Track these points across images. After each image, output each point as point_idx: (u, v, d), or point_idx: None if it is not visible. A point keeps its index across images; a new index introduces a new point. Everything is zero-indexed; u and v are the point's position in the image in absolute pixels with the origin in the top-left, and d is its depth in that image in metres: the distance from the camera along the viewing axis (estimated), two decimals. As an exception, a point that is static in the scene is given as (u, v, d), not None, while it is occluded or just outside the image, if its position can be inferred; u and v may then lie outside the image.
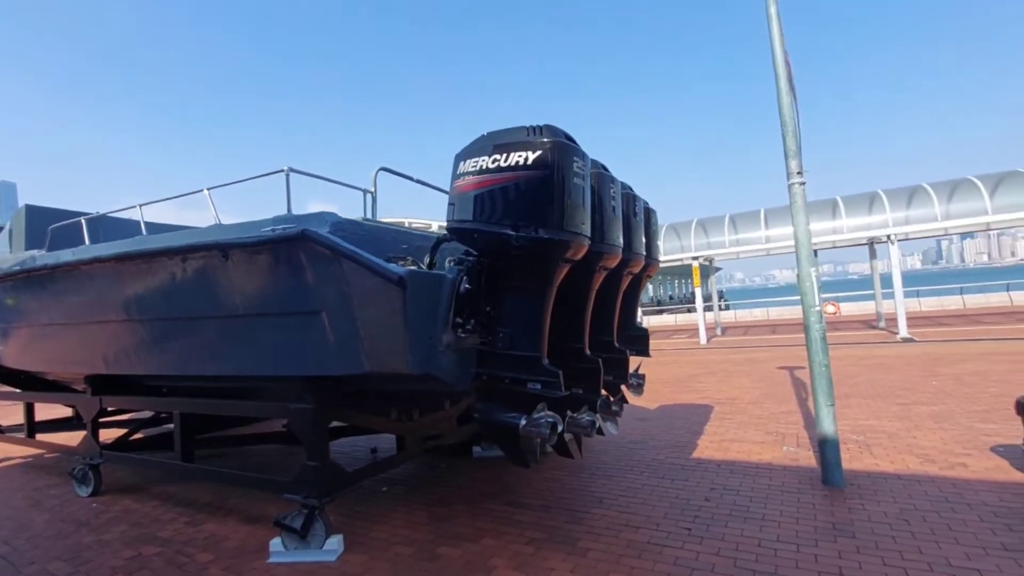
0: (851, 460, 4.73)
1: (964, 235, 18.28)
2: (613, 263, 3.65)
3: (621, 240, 3.65)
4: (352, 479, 3.83)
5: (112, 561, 3.71)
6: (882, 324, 18.47)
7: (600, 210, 3.33)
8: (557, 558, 3.30)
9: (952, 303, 22.74)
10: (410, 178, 4.54)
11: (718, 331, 21.14)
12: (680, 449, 5.56)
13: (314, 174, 3.81)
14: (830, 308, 22.77)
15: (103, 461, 5.20)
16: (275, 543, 3.60)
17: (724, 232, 18.50)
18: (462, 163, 3.06)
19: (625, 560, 3.21)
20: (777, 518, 3.70)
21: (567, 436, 3.63)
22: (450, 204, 3.15)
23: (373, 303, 2.95)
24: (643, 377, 4.73)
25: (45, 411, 7.68)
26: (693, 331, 19.87)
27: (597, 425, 3.57)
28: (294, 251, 3.11)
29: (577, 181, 2.88)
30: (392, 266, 2.84)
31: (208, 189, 4.11)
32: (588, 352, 3.65)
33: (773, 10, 4.62)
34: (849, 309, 25.33)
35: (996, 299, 22.38)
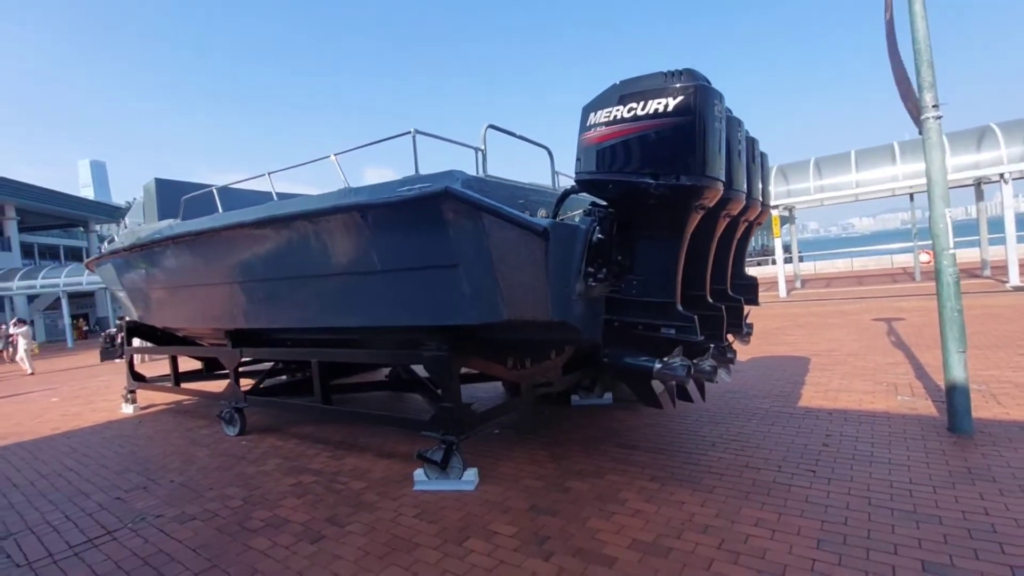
0: (977, 409, 4.52)
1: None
2: (737, 209, 3.62)
3: (746, 186, 3.60)
4: (482, 418, 4.15)
5: (278, 487, 4.28)
6: (987, 272, 16.97)
7: (729, 155, 3.29)
8: (684, 493, 3.48)
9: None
10: (513, 134, 4.63)
11: (797, 284, 20.20)
12: (784, 398, 5.54)
13: (436, 135, 3.98)
14: (924, 256, 21.07)
15: (247, 405, 5.88)
16: (418, 474, 4.01)
17: (809, 178, 17.34)
18: (592, 114, 3.10)
19: (754, 497, 3.33)
20: (905, 463, 3.67)
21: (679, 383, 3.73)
22: (578, 158, 3.22)
23: (514, 254, 3.12)
24: (751, 326, 4.71)
25: (163, 366, 8.62)
26: (770, 284, 19.08)
27: (717, 371, 3.64)
28: (436, 207, 3.31)
29: (717, 126, 2.86)
30: (535, 219, 2.98)
31: (335, 155, 4.39)
32: (710, 300, 3.69)
33: (907, -76, 4.19)
34: (946, 258, 23.33)
35: None
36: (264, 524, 3.59)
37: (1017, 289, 13.09)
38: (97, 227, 37.80)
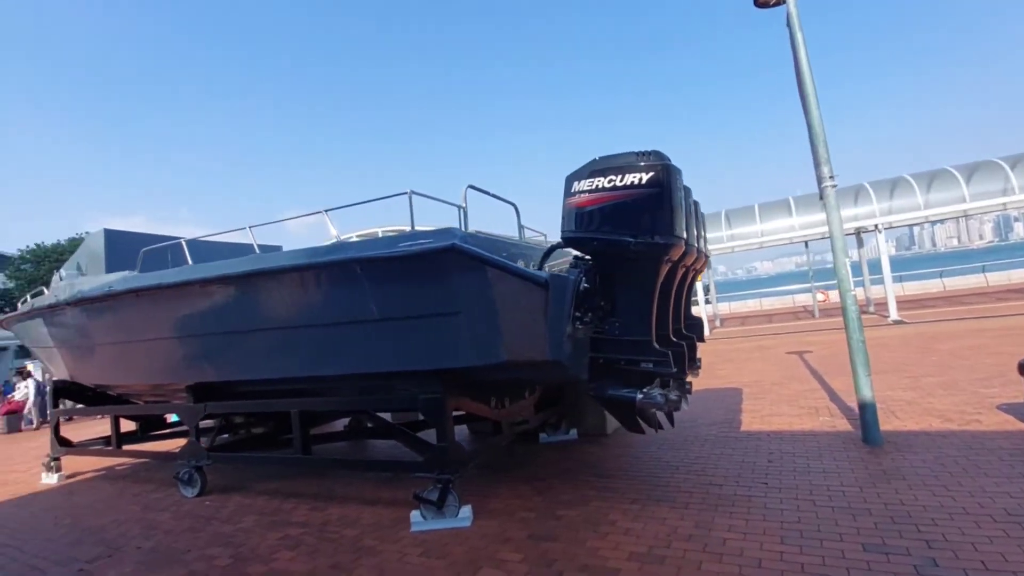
0: (880, 423, 5.43)
1: (935, 221, 19.59)
2: (690, 260, 4.30)
3: (692, 239, 4.29)
4: (471, 457, 4.40)
5: (265, 542, 4.22)
6: (871, 309, 19.53)
7: (686, 217, 3.97)
8: (663, 511, 3.92)
9: (933, 286, 24.04)
10: (488, 193, 5.15)
11: (717, 322, 22.03)
12: (727, 425, 6.23)
13: (433, 196, 4.41)
14: (819, 296, 23.83)
15: (210, 463, 5.67)
16: (415, 515, 4.15)
17: (721, 228, 19.38)
18: (576, 183, 3.67)
19: (723, 508, 3.84)
20: (835, 470, 4.38)
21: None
22: (565, 217, 3.76)
23: (516, 302, 3.54)
24: (700, 360, 5.39)
25: (88, 429, 8.01)
26: (694, 324, 20.66)
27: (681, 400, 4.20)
28: (442, 261, 3.67)
29: (679, 195, 3.51)
30: (536, 271, 3.44)
31: (326, 211, 4.67)
32: (673, 338, 4.29)
33: (800, 36, 5.33)
34: (835, 296, 26.53)
35: (974, 280, 23.72)
36: (265, 577, 3.58)
37: (897, 323, 15.22)
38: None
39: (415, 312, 3.98)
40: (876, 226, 16.61)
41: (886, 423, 5.46)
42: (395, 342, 4.15)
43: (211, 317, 5.07)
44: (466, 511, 4.12)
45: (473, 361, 3.88)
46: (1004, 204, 16.46)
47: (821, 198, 5.25)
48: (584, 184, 3.61)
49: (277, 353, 4.83)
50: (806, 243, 21.17)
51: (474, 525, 4.04)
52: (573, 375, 3.88)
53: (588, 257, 3.79)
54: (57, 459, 7.30)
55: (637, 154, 3.49)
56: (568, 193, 3.73)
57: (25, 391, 15.11)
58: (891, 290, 16.18)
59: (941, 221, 19.97)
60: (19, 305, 8.24)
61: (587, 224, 3.60)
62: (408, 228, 4.26)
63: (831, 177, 5.07)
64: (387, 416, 5.66)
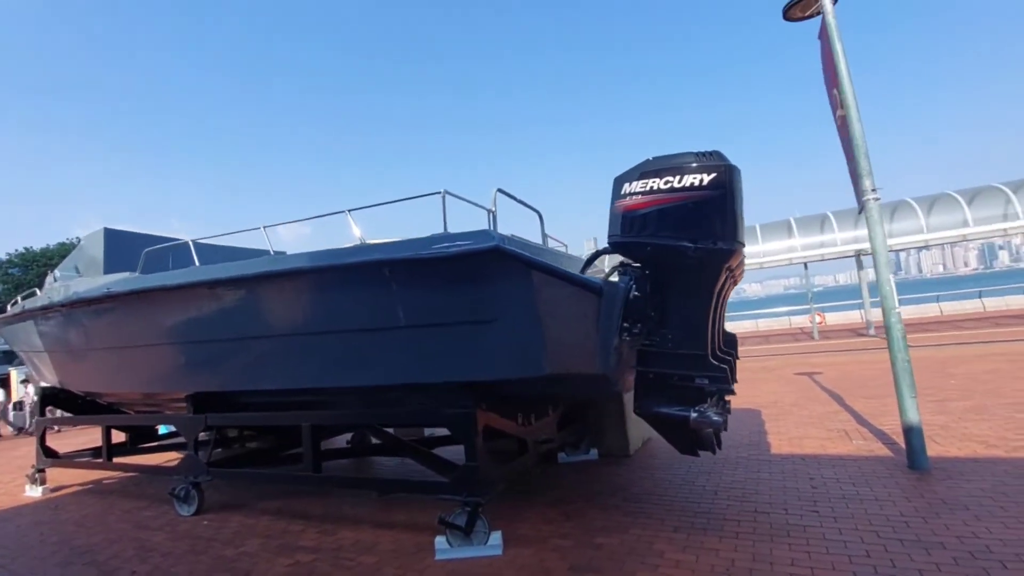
0: (921, 449, 5.19)
1: (920, 248, 19.75)
2: (737, 264, 4.05)
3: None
4: (501, 478, 4.08)
5: (274, 568, 3.85)
6: (872, 332, 19.46)
7: None
8: (712, 540, 3.62)
9: (930, 310, 24.09)
10: (515, 198, 4.91)
11: (717, 342, 21.83)
12: (756, 447, 5.95)
13: (465, 198, 4.15)
14: (816, 318, 23.81)
15: (210, 479, 5.27)
16: (439, 541, 3.81)
17: (724, 247, 19.32)
18: (627, 185, 3.44)
19: (779, 539, 3.55)
20: (887, 498, 4.10)
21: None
22: (612, 221, 3.52)
23: (564, 310, 3.27)
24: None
25: (67, 440, 7.57)
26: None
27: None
28: (481, 265, 3.40)
29: (740, 198, 3.29)
30: (590, 277, 3.18)
31: (349, 211, 4.39)
32: (718, 352, 4.02)
33: (839, 47, 5.21)
34: (833, 318, 26.53)
35: (970, 305, 23.80)
36: (278, 610, 3.21)
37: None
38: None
39: (446, 319, 3.70)
40: (880, 248, 16.60)
41: (927, 448, 5.22)
42: (422, 351, 3.85)
43: (219, 322, 4.74)
44: (496, 538, 3.78)
45: (509, 373, 3.59)
46: (1005, 229, 16.58)
47: (860, 212, 5.07)
48: (636, 186, 3.39)
49: (290, 362, 4.51)
50: (805, 264, 21.18)
51: (506, 553, 3.71)
52: (616, 390, 3.61)
53: (636, 264, 3.55)
54: (42, 471, 6.84)
55: (696, 154, 3.27)
56: (617, 196, 3.50)
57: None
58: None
59: (927, 247, 20.08)
60: (8, 307, 7.84)
61: (639, 228, 3.36)
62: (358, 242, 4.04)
63: (873, 190, 4.89)
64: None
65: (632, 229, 3.39)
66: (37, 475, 6.84)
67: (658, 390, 3.49)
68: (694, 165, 3.22)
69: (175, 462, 5.95)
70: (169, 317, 5.03)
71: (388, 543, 4.14)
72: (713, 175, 3.18)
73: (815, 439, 6.06)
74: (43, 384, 7.20)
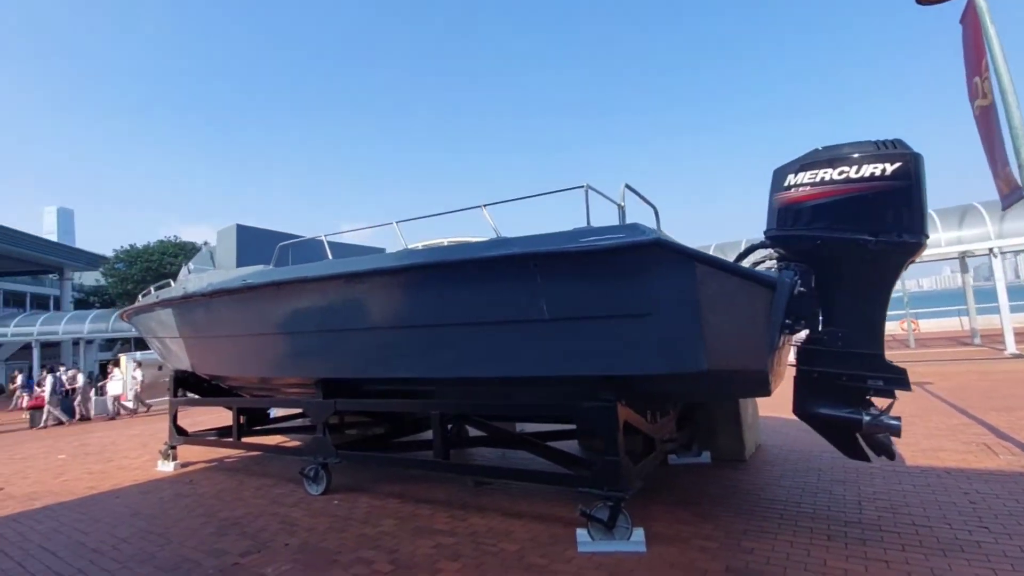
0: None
1: (1018, 251, 17.71)
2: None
3: None
4: (638, 474, 4.04)
5: (419, 550, 3.99)
6: (977, 340, 17.86)
7: None
8: (875, 550, 3.43)
9: (1045, 319, 21.80)
10: (638, 194, 4.85)
11: (797, 348, 20.75)
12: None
13: (604, 194, 4.16)
14: (911, 324, 22.10)
15: (339, 461, 5.55)
16: (581, 534, 3.83)
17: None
18: (791, 176, 3.32)
19: (953, 554, 3.32)
20: (1069, 518, 3.74)
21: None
22: (772, 214, 3.40)
23: (731, 304, 3.20)
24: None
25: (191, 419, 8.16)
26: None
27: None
28: (638, 258, 3.38)
29: (925, 187, 3.09)
30: (762, 271, 3.10)
31: (484, 206, 4.50)
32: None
33: (992, 29, 4.81)
34: (926, 325, 24.61)
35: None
36: (440, 589, 3.33)
37: (1015, 356, 13.78)
38: (75, 275, 36.30)
39: (593, 312, 3.70)
40: (991, 250, 15.21)
41: (1095, 467, 4.72)
42: (565, 344, 3.87)
43: (355, 312, 4.97)
44: (639, 534, 3.76)
45: (661, 368, 3.54)
46: None
47: (1006, 208, 4.65)
48: (804, 176, 3.26)
49: (425, 352, 4.66)
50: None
51: (651, 551, 3.67)
52: (768, 391, 3.49)
53: (793, 259, 3.41)
54: (174, 448, 7.46)
55: (875, 143, 3.11)
56: (779, 187, 3.38)
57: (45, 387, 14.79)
58: (1008, 320, 14.70)
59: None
60: (140, 297, 8.58)
61: (808, 221, 3.23)
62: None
63: (1040, 183, 4.47)
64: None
65: (798, 222, 3.26)
66: (169, 451, 7.46)
67: (823, 391, 3.34)
68: (874, 154, 3.05)
69: (282, 444, 6.27)
70: (307, 307, 5.33)
71: (523, 532, 4.20)
72: (897, 164, 3.00)
73: (952, 452, 5.62)
74: (176, 368, 7.83)
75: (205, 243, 28.02)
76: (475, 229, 3.86)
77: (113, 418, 15.41)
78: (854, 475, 5.11)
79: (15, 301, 37.31)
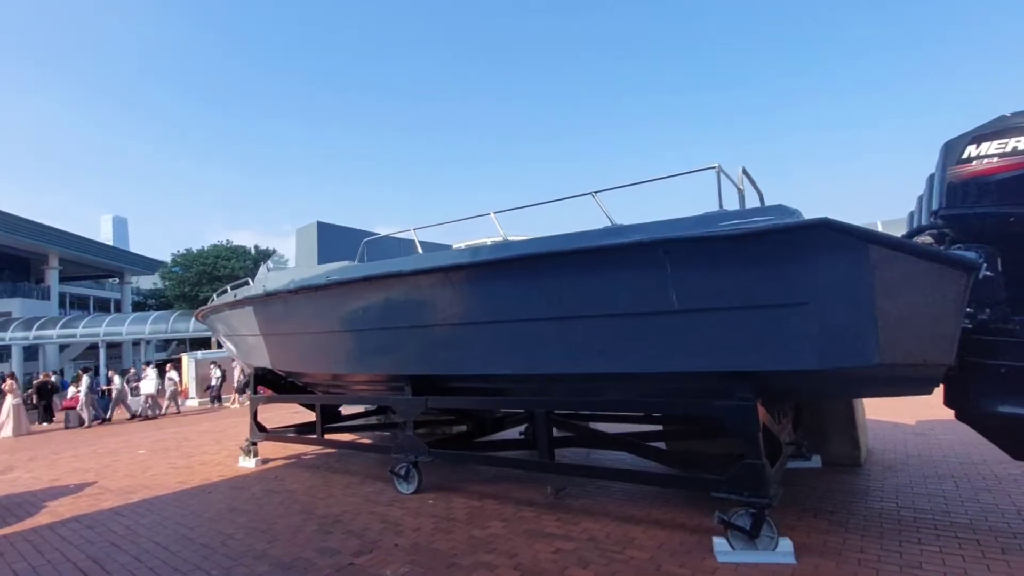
0: None
1: None
2: None
3: None
4: (776, 479, 3.74)
5: (539, 554, 3.80)
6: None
7: None
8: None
9: None
10: (734, 183, 4.54)
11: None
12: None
13: (731, 177, 3.89)
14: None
15: (431, 459, 5.43)
16: (719, 543, 3.56)
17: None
18: (970, 147, 2.97)
19: None
20: None
21: None
22: (943, 191, 3.05)
23: (913, 290, 2.87)
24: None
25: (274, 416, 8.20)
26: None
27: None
28: (798, 241, 3.08)
29: None
30: (955, 252, 2.77)
31: (594, 193, 4.29)
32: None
33: None
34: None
35: None
36: (581, 598, 3.12)
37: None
38: (133, 279, 38.04)
39: (731, 303, 3.41)
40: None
41: None
42: (696, 338, 3.60)
43: (452, 307, 4.81)
44: (786, 544, 3.45)
45: (811, 363, 3.23)
46: None
47: None
48: (988, 147, 2.91)
49: (530, 348, 4.47)
50: None
51: (802, 563, 3.37)
52: (934, 386, 3.14)
53: (970, 239, 3.05)
54: (255, 444, 7.53)
55: (1085, 107, 2.73)
56: (953, 161, 3.04)
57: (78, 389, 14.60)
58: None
59: None
60: (215, 297, 8.73)
61: (996, 197, 2.88)
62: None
63: None
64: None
65: (981, 198, 2.91)
66: (251, 448, 7.53)
67: (1011, 387, 2.97)
68: (1085, 120, 2.68)
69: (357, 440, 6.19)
70: (400, 301, 5.21)
71: (648, 539, 3.95)
72: (1117, 129, 2.62)
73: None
74: (256, 365, 7.91)
75: (274, 250, 28.86)
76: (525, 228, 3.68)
77: (135, 416, 15.10)
78: (994, 482, 4.67)
79: (79, 304, 39.43)
